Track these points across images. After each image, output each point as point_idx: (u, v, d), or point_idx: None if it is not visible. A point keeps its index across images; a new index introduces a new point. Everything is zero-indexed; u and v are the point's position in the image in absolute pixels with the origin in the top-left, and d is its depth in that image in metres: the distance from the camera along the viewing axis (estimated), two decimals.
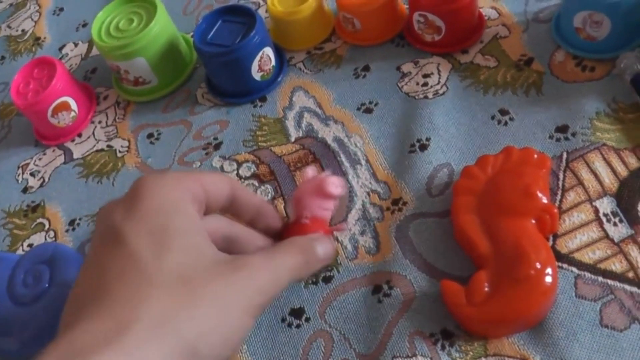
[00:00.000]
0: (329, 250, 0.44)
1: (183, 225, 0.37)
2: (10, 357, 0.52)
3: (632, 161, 0.50)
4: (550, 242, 0.47)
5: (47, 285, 0.52)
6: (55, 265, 0.53)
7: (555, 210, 0.47)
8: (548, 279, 0.43)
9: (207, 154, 0.63)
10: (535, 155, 0.49)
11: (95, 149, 0.68)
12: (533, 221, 0.46)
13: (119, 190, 0.63)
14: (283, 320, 0.49)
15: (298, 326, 0.49)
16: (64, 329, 0.34)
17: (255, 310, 0.37)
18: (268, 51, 0.63)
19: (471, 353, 0.44)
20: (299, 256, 0.41)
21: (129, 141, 0.67)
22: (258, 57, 0.62)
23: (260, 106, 0.65)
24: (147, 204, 0.37)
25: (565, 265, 0.46)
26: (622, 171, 0.50)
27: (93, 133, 0.70)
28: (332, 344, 0.47)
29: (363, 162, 0.57)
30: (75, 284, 0.37)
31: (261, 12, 0.73)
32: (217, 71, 0.66)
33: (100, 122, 0.71)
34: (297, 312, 0.50)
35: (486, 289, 0.44)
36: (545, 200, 0.47)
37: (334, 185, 0.46)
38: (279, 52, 0.67)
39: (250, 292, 0.37)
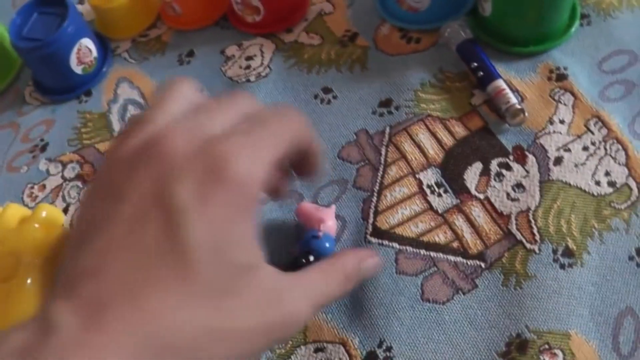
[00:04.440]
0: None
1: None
2: None
3: (459, 130, 0.49)
4: (371, 220, 0.46)
5: None
6: None
7: None
8: None
9: (34, 157, 0.58)
10: None
11: None
12: None
13: None
14: None
15: None
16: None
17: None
18: (86, 42, 0.59)
19: (291, 342, 0.42)
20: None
21: None
22: (75, 50, 0.58)
23: (86, 101, 0.61)
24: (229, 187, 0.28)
25: (385, 242, 0.45)
26: (449, 141, 0.49)
27: None
28: None
29: None
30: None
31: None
32: (37, 67, 0.61)
33: None
34: None
35: None
36: None
37: None
38: (103, 42, 0.63)
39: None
